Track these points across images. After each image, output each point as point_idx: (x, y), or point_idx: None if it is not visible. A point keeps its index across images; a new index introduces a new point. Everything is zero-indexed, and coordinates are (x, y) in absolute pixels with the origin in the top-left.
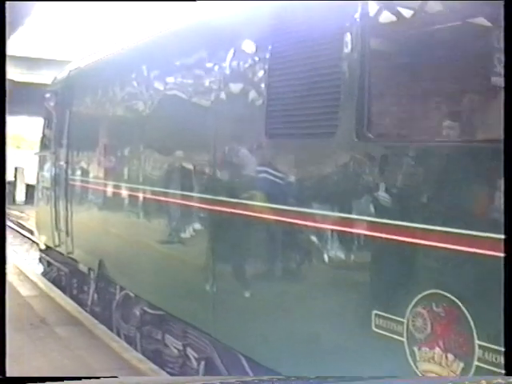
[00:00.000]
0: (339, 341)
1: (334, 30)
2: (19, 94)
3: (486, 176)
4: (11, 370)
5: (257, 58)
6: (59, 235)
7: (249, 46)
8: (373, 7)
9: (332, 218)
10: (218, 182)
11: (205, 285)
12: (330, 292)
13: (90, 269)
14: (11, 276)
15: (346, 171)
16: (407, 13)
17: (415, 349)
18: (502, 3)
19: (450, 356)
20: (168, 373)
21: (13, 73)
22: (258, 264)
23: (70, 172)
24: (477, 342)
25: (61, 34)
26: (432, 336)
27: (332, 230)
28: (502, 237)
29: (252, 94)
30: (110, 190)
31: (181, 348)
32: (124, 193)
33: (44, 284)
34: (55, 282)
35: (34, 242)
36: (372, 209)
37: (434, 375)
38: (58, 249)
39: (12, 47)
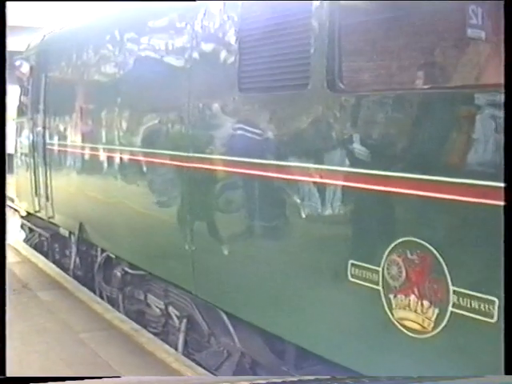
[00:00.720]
0: (317, 292)
1: None
2: None
3: (457, 122)
4: None
5: (227, 15)
6: (39, 201)
7: (219, 4)
8: None
9: (306, 169)
10: (192, 139)
11: (184, 243)
12: (308, 244)
13: (70, 233)
14: None
15: (318, 122)
16: None
17: (391, 296)
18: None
19: (426, 303)
20: (151, 332)
21: None
22: (234, 220)
23: (47, 137)
24: (451, 287)
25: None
26: (407, 283)
27: (307, 182)
28: (475, 182)
29: (224, 51)
30: (87, 152)
31: (163, 307)
32: (101, 155)
33: (26, 250)
34: (37, 248)
35: (15, 210)
36: (345, 159)
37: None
38: (38, 214)
39: None
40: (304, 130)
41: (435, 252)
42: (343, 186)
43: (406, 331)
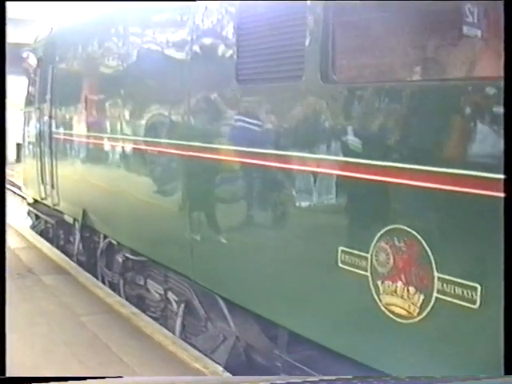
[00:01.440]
0: (309, 278)
1: None
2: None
3: (448, 113)
4: None
5: (225, 10)
6: (45, 188)
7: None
8: None
9: (300, 158)
10: (192, 129)
11: (183, 231)
12: (301, 232)
13: (74, 219)
14: None
15: (312, 112)
16: None
17: (379, 283)
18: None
19: (412, 289)
20: (150, 317)
21: None
22: (232, 210)
23: (53, 126)
24: (436, 274)
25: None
26: (394, 270)
27: (301, 171)
28: (463, 172)
29: (223, 44)
30: (91, 142)
31: (162, 292)
32: (105, 144)
33: (32, 236)
34: (43, 234)
35: (23, 198)
36: (337, 148)
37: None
38: (44, 201)
39: None
40: (298, 120)
41: (421, 239)
42: (335, 175)
43: (392, 316)
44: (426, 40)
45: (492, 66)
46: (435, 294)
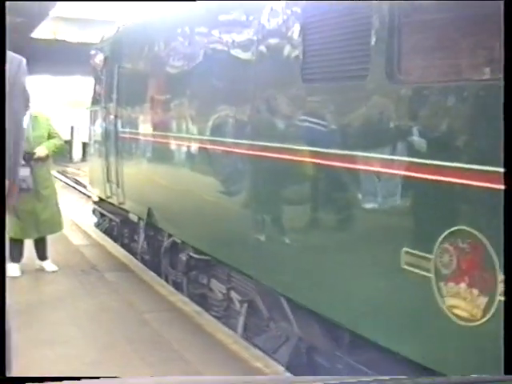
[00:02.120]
0: (372, 279)
1: None
2: (72, 54)
3: None
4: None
5: (291, 10)
6: (111, 187)
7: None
8: None
9: (366, 159)
10: (257, 128)
11: (247, 230)
12: (366, 233)
13: (139, 218)
14: (66, 228)
15: (378, 112)
16: None
17: (442, 284)
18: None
19: (475, 291)
20: (213, 316)
21: (66, 33)
22: (296, 209)
23: (119, 125)
24: (499, 276)
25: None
26: (458, 271)
27: (367, 172)
28: None
29: (289, 44)
30: (157, 141)
31: (225, 291)
32: (171, 144)
33: (96, 234)
34: (107, 232)
35: (89, 196)
36: (403, 149)
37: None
38: (109, 200)
39: (64, 9)
40: (364, 120)
41: (485, 241)
42: (401, 175)
43: (455, 319)
44: (495, 41)
45: None
46: (499, 297)
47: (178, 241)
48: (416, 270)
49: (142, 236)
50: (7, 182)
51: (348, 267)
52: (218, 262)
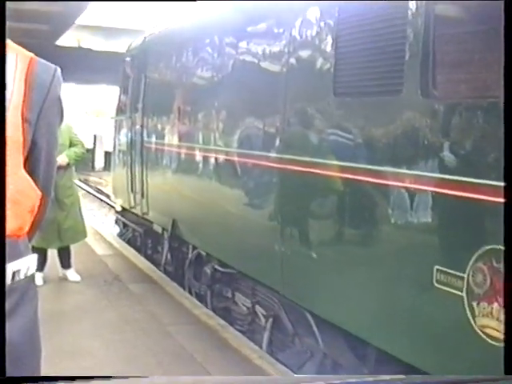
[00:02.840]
0: (403, 296)
1: None
2: (97, 62)
3: None
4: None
5: (324, 23)
6: (135, 197)
7: (316, 12)
8: None
9: (397, 175)
10: (286, 142)
11: (273, 244)
12: (397, 249)
13: (163, 229)
14: (88, 237)
15: (411, 128)
16: None
17: (474, 304)
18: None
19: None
20: (237, 330)
21: (91, 42)
22: (325, 224)
23: (145, 135)
24: None
25: (137, 4)
26: (491, 291)
27: (398, 188)
28: None
29: (321, 57)
30: (183, 152)
31: (250, 306)
32: (197, 155)
33: (119, 244)
34: (130, 243)
35: (111, 206)
36: (436, 165)
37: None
38: (133, 210)
39: (89, 17)
40: (397, 135)
41: None
42: (434, 192)
43: (487, 339)
44: None
45: None
46: None
47: (203, 253)
48: (448, 289)
49: (166, 247)
50: (39, 194)
51: (378, 284)
52: (243, 276)
